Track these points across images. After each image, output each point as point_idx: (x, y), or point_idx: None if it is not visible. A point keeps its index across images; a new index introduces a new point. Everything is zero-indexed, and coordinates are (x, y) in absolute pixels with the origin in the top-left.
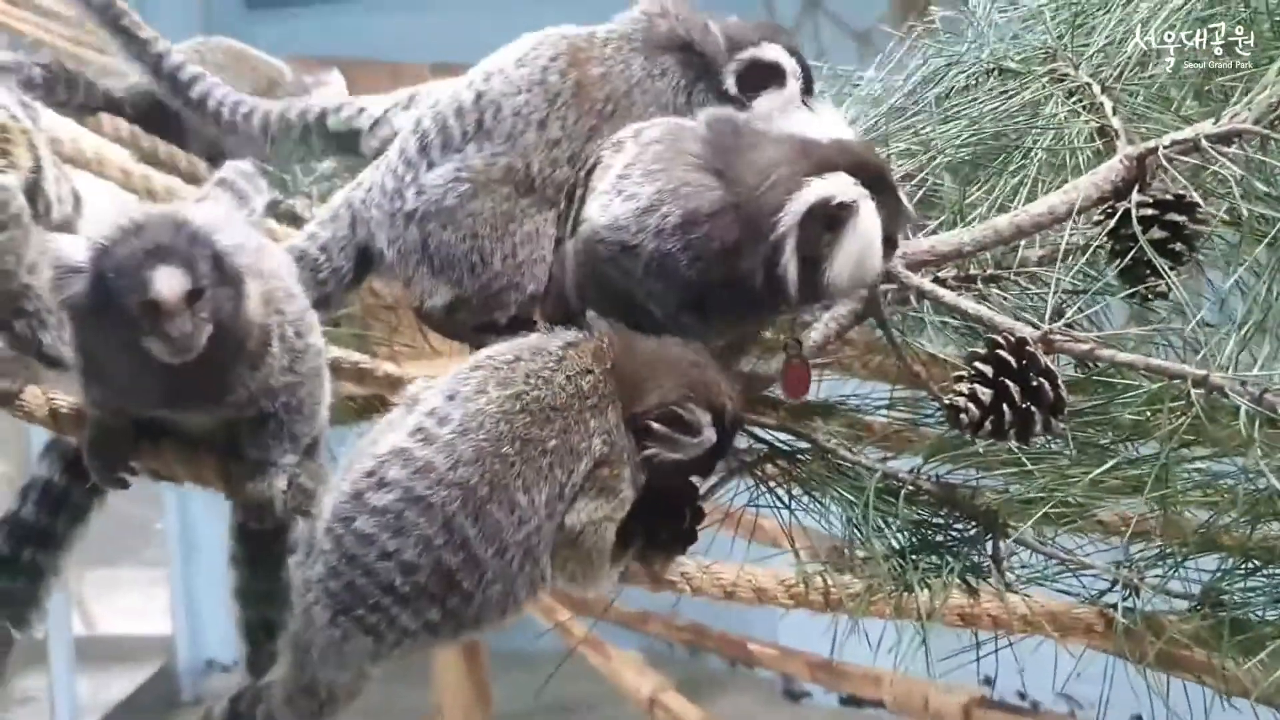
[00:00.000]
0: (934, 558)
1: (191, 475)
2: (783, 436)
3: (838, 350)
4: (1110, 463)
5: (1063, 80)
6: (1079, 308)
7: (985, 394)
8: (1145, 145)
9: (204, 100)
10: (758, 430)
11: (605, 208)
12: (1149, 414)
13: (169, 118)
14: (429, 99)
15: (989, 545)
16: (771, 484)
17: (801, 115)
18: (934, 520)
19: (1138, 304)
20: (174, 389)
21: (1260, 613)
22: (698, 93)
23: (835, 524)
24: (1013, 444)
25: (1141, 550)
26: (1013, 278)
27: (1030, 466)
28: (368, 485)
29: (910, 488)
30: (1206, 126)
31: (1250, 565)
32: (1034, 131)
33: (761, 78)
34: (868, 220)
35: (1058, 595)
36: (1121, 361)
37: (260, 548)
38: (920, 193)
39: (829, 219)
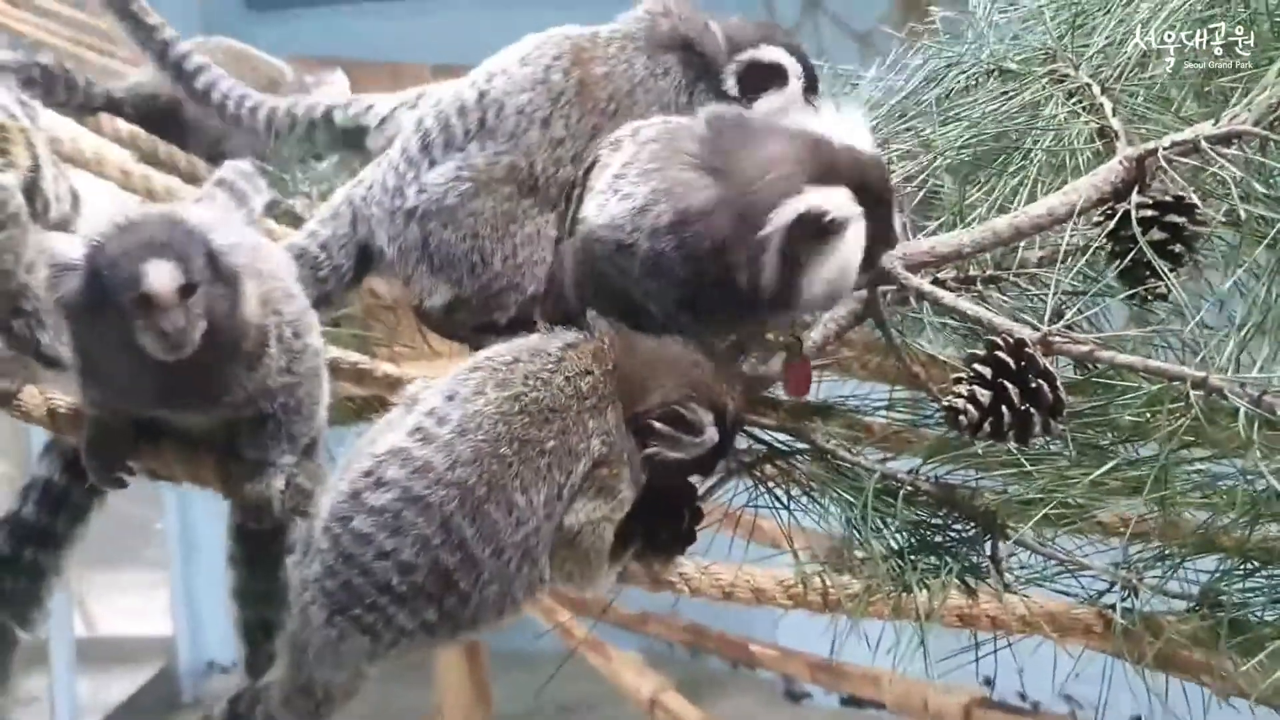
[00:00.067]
0: (933, 558)
1: (190, 475)
2: (781, 437)
3: (836, 351)
4: (1110, 464)
5: (1063, 81)
6: (1079, 309)
7: (984, 395)
8: (1145, 146)
9: (209, 91)
10: (756, 431)
11: (602, 207)
12: (1149, 415)
13: (169, 118)
14: (433, 97)
15: (988, 546)
16: (770, 484)
17: (826, 113)
18: (933, 521)
19: (1137, 305)
20: (169, 388)
21: (1259, 614)
22: (699, 93)
23: (834, 525)
24: (1012, 445)
25: (1140, 551)
26: (1012, 279)
27: (1030, 467)
28: (366, 484)
29: (909, 488)
30: (1206, 128)
31: (1249, 566)
32: (1034, 132)
33: (762, 78)
34: (853, 242)
35: (1056, 596)
36: (1120, 363)
37: (259, 548)
38: (921, 194)
39: (818, 230)
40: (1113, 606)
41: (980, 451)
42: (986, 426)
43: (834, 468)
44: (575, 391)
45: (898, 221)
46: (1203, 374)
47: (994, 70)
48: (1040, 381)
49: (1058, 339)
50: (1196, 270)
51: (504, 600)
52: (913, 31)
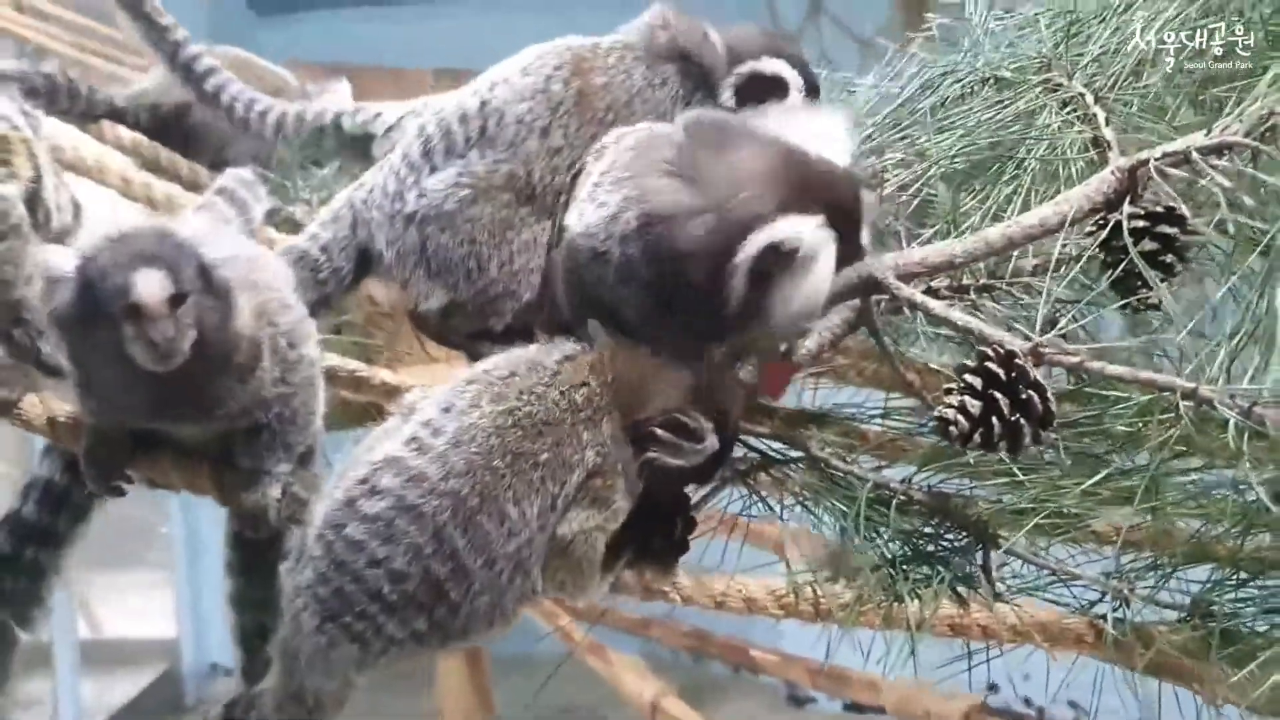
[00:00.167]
0: (925, 568)
1: (187, 484)
2: (775, 446)
3: (832, 358)
4: (1102, 473)
5: (1057, 90)
6: (1071, 318)
7: (974, 406)
8: (1136, 157)
9: (219, 94)
10: (750, 439)
11: (580, 216)
12: (1140, 425)
13: (172, 126)
14: (437, 104)
15: (980, 555)
16: (764, 493)
17: (801, 118)
18: (925, 530)
19: (1130, 315)
20: (162, 400)
21: (1250, 624)
22: (696, 103)
23: (827, 534)
24: (1003, 455)
25: (1132, 561)
26: (1006, 288)
27: (1022, 477)
28: (360, 492)
29: (902, 497)
30: (1197, 139)
31: (1240, 576)
32: (1028, 142)
33: (762, 90)
34: (823, 270)
35: (1048, 605)
36: (1111, 374)
37: (255, 555)
38: (915, 202)
39: (788, 257)
40: (1104, 616)
41: (973, 461)
42: (977, 437)
43: (828, 477)
44: (570, 405)
45: (865, 236)
46: (1192, 385)
47: (989, 79)
48: (1030, 393)
49: (1048, 350)
50: (1197, 283)
51: (495, 611)
52: (910, 39)
